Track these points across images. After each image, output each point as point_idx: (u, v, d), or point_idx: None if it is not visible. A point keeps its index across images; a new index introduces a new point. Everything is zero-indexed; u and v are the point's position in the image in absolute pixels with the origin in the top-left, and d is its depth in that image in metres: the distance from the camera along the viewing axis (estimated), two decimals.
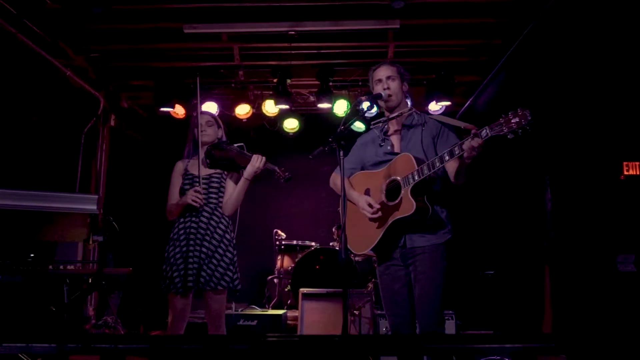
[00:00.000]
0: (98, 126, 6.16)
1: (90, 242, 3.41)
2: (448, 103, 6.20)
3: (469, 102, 6.02)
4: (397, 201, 2.73)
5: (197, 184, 3.35)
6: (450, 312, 4.75)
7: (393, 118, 3.04)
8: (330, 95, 6.12)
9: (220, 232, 3.34)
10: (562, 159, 5.20)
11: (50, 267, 3.29)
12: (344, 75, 6.34)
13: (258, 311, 4.82)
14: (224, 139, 3.51)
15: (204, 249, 3.25)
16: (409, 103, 3.20)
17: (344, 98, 6.32)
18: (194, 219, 3.31)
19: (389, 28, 5.20)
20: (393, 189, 2.80)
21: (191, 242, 3.25)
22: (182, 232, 3.30)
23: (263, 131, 6.96)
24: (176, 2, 4.83)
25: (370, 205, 2.83)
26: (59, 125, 5.67)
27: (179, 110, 6.44)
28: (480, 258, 6.10)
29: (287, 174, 3.36)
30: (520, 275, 5.89)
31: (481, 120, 2.55)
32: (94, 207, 3.40)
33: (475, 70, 6.08)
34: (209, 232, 3.31)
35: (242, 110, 6.64)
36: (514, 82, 5.25)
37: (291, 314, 5.32)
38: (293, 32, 5.21)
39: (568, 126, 5.03)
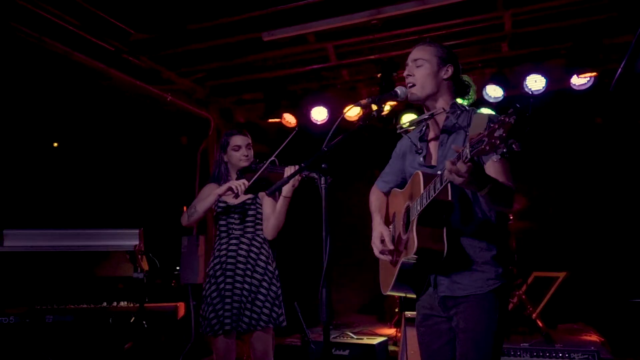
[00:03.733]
0: (212, 145, 6.27)
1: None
2: (594, 74, 4.92)
3: (620, 68, 4.65)
4: (407, 235, 2.04)
5: (232, 213, 3.11)
6: (592, 349, 3.64)
7: (422, 120, 2.34)
8: None
9: (262, 263, 3.06)
10: None
11: (105, 304, 3.30)
12: (459, 58, 5.43)
13: (353, 339, 4.32)
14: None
15: (246, 286, 2.98)
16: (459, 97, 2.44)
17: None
18: (231, 252, 3.04)
19: None
20: (410, 216, 2.11)
21: (229, 280, 2.99)
22: (218, 267, 3.06)
23: (376, 131, 6.37)
24: (253, 10, 4.59)
25: (382, 241, 2.18)
26: (172, 150, 5.90)
27: (289, 119, 6.34)
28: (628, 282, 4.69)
29: (328, 177, 2.92)
30: None
31: None
32: (133, 242, 3.34)
33: (628, 28, 4.68)
34: (249, 265, 3.03)
35: (352, 112, 6.16)
36: None
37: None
38: (375, 21, 4.58)
39: None
